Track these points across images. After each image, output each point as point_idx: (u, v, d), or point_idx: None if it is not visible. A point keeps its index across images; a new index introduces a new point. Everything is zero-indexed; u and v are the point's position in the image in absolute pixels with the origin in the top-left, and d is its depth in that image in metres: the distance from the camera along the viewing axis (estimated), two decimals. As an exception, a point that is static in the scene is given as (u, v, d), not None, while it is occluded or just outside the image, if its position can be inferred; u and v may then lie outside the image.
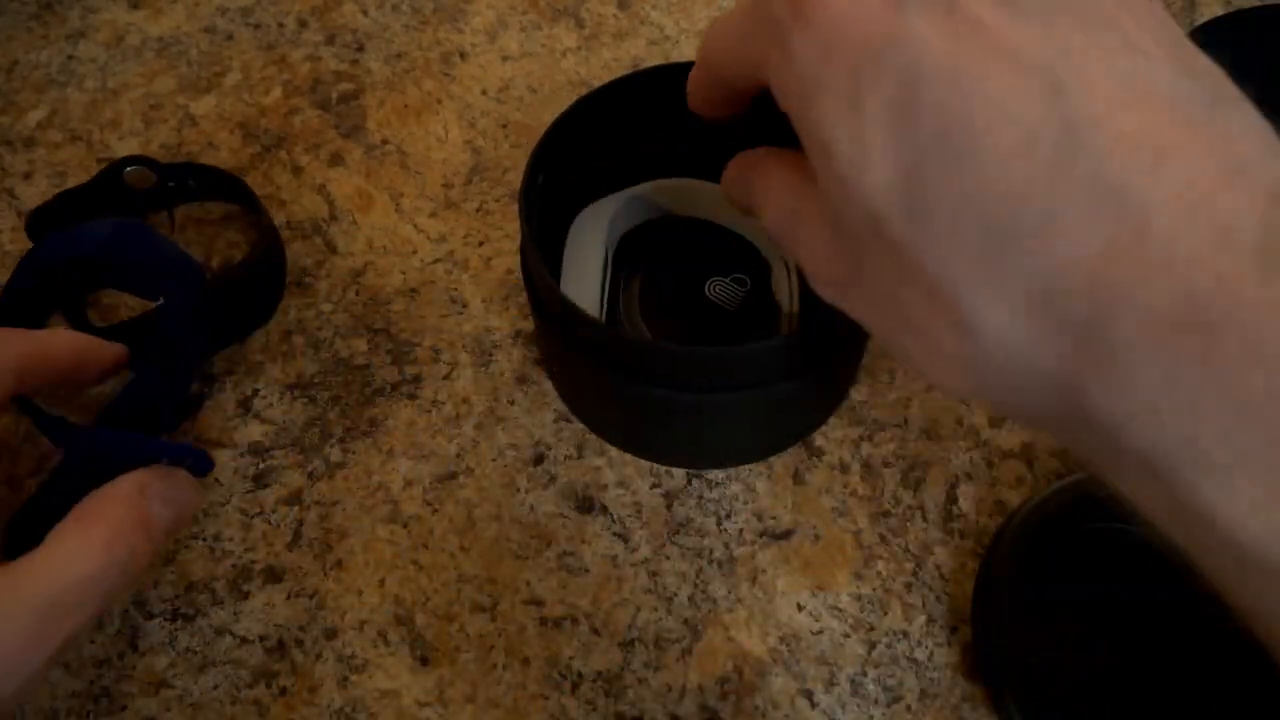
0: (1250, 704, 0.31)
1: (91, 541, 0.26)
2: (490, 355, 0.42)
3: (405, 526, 0.37)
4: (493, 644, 0.35)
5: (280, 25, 0.53)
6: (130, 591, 0.35)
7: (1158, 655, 0.33)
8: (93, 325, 0.40)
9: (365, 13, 0.54)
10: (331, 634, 0.35)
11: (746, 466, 0.38)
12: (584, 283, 0.39)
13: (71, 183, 0.46)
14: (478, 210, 0.46)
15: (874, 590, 0.36)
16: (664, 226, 0.43)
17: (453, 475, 0.38)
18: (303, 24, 0.53)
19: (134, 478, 0.29)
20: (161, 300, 0.38)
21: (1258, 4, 0.44)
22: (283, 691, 0.34)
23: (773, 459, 0.38)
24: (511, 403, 0.40)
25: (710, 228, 0.42)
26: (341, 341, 0.42)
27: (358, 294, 0.43)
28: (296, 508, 0.38)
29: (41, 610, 0.25)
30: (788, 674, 0.34)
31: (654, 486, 0.38)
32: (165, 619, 0.35)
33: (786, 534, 0.37)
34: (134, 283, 0.40)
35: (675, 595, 0.36)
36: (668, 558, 0.36)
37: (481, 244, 0.45)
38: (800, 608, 0.35)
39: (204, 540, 0.37)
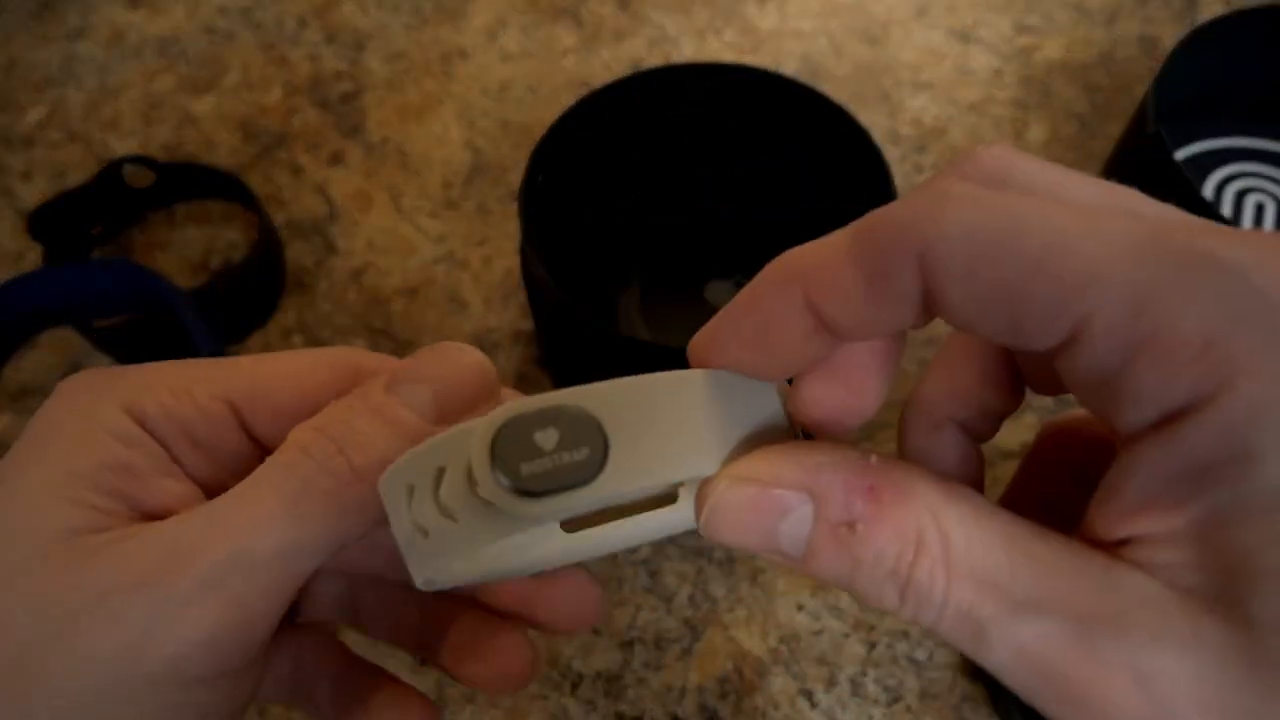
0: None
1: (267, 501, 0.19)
2: (490, 355, 0.42)
3: (405, 526, 0.37)
4: (493, 644, 0.35)
5: (280, 25, 0.53)
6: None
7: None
8: (92, 325, 0.40)
9: (365, 12, 0.54)
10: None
11: (746, 466, 0.38)
12: None
13: (71, 182, 0.46)
14: (478, 210, 0.46)
15: (874, 590, 0.36)
16: (664, 226, 0.43)
17: (453, 475, 0.38)
18: (303, 24, 0.53)
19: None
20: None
21: (1258, 4, 0.44)
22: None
23: (773, 459, 0.38)
24: (511, 403, 0.40)
25: (710, 227, 0.42)
26: (341, 341, 0.42)
27: (358, 294, 0.43)
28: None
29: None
30: (788, 674, 0.34)
31: (654, 486, 0.38)
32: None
33: (786, 534, 0.37)
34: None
35: (675, 595, 0.36)
36: (668, 557, 0.36)
37: (481, 244, 0.45)
38: (800, 608, 0.35)
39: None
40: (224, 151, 0.48)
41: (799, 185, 0.41)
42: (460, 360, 0.20)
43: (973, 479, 0.20)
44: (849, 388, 0.18)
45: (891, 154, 0.48)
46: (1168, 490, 0.14)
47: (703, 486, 0.17)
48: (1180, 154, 0.47)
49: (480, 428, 0.16)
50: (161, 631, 0.17)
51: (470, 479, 0.16)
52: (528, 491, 0.15)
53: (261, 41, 0.53)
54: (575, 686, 0.34)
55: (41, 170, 0.48)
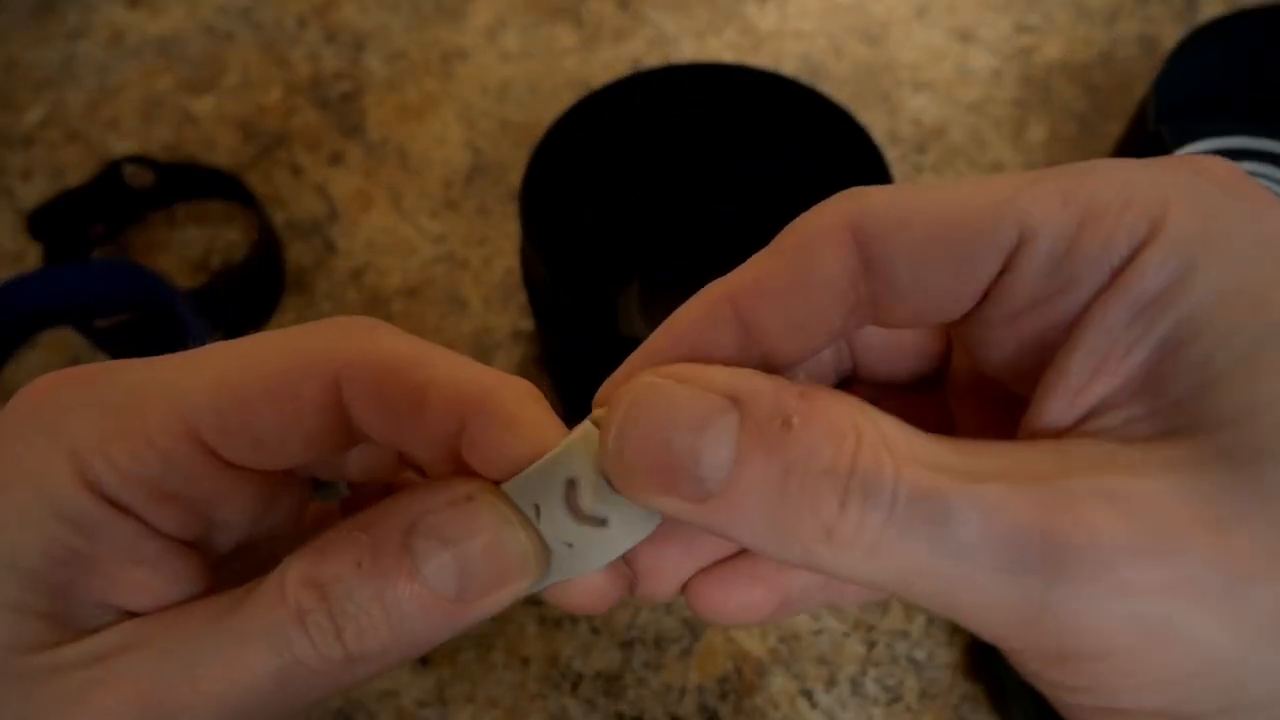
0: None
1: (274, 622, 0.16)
2: (490, 355, 0.42)
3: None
4: (492, 644, 0.35)
5: (280, 25, 0.53)
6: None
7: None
8: (92, 325, 0.40)
9: (365, 12, 0.54)
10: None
11: (746, 466, 0.38)
12: None
13: (71, 182, 0.46)
14: (478, 210, 0.46)
15: (874, 590, 0.36)
16: (664, 226, 0.43)
17: (453, 475, 0.38)
18: (303, 24, 0.53)
19: (397, 507, 0.17)
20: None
21: (1258, 4, 0.44)
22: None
23: (773, 459, 0.38)
24: (511, 403, 0.40)
25: (710, 227, 0.42)
26: (341, 341, 0.42)
27: (358, 294, 0.43)
28: (296, 508, 0.38)
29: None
30: (788, 674, 0.34)
31: (654, 486, 0.38)
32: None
33: (786, 534, 0.37)
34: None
35: (675, 595, 0.36)
36: (668, 558, 0.36)
37: (481, 244, 0.45)
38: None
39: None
40: (224, 151, 0.48)
41: (799, 185, 0.41)
42: (499, 538, 0.16)
43: None
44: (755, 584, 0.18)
45: (891, 154, 0.48)
46: (1118, 343, 0.14)
47: (615, 395, 0.16)
48: (1180, 154, 0.47)
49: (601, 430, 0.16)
50: None
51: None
52: None
53: (261, 41, 0.53)
54: (575, 686, 0.34)
55: (41, 170, 0.48)
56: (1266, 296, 0.14)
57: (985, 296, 0.15)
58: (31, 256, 0.45)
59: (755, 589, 0.18)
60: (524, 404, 0.17)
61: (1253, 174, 0.46)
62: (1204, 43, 0.42)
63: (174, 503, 0.17)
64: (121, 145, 0.49)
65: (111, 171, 0.44)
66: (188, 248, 0.45)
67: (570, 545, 0.16)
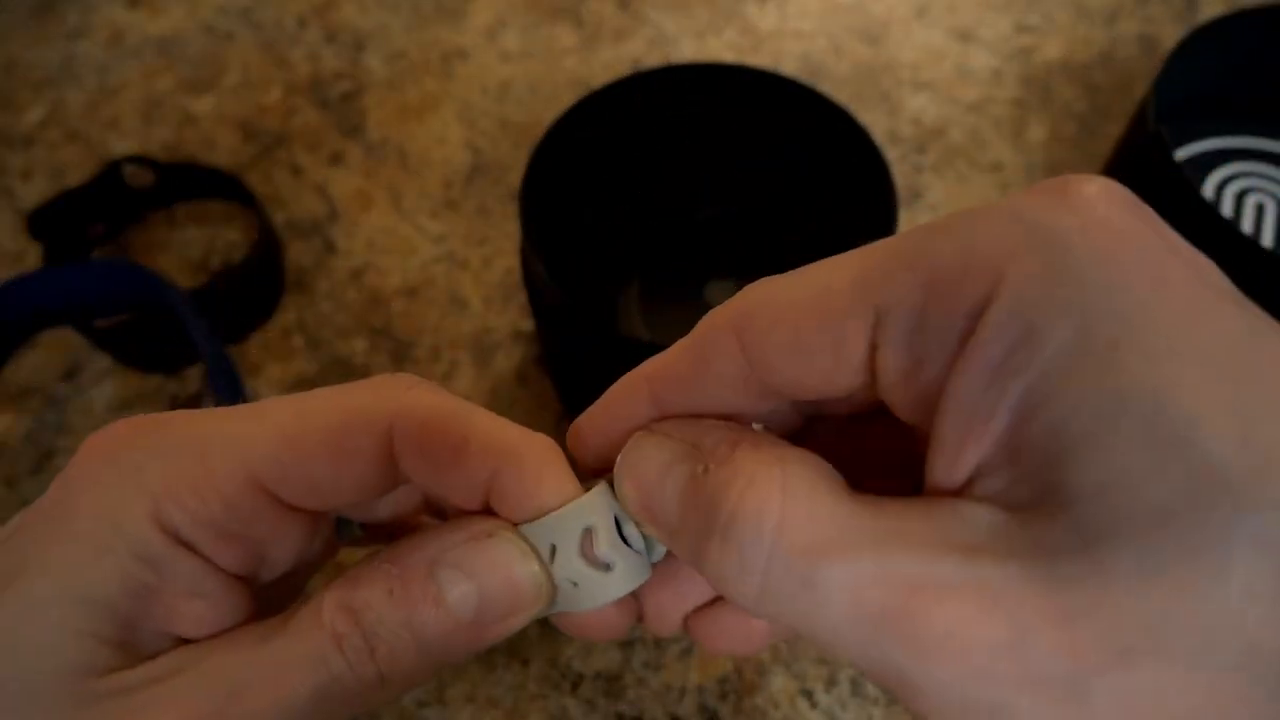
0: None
1: (309, 642, 0.18)
2: (490, 355, 0.42)
3: (405, 526, 0.37)
4: (493, 644, 0.35)
5: (280, 25, 0.53)
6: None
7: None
8: (93, 325, 0.40)
9: (365, 12, 0.54)
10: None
11: (746, 466, 0.38)
12: None
13: (71, 182, 0.46)
14: (478, 210, 0.46)
15: (874, 590, 0.36)
16: (664, 226, 0.43)
17: (453, 475, 0.38)
18: (303, 24, 0.53)
19: (423, 542, 0.19)
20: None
21: (1258, 4, 0.44)
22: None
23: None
24: (512, 402, 0.40)
25: (710, 227, 0.42)
26: (341, 341, 0.42)
27: (358, 293, 0.43)
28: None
29: None
30: (788, 674, 0.34)
31: (654, 486, 0.38)
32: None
33: (786, 534, 0.37)
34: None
35: (675, 595, 0.36)
36: (668, 558, 0.36)
37: (481, 244, 0.45)
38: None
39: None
40: (224, 151, 0.48)
41: (799, 185, 0.41)
42: (514, 569, 0.18)
43: None
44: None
45: (891, 154, 0.48)
46: (978, 410, 0.14)
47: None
48: (1180, 154, 0.47)
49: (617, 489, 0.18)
50: None
51: (621, 531, 0.18)
52: None
53: (261, 41, 0.53)
54: (575, 686, 0.34)
55: (41, 170, 0.48)
56: (1111, 357, 0.13)
57: (872, 372, 0.16)
58: (31, 256, 0.45)
59: (749, 623, 0.20)
60: (549, 458, 0.19)
61: (1252, 174, 0.46)
62: (1204, 43, 0.42)
63: (235, 542, 0.19)
64: (121, 145, 0.49)
65: (111, 171, 0.44)
66: (188, 248, 0.46)
67: (575, 585, 0.19)
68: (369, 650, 0.18)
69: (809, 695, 0.34)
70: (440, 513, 0.24)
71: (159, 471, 0.18)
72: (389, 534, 0.24)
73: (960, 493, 0.15)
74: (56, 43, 0.53)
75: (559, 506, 0.18)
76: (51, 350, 0.42)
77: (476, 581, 0.18)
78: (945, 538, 0.14)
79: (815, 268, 0.16)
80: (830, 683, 0.34)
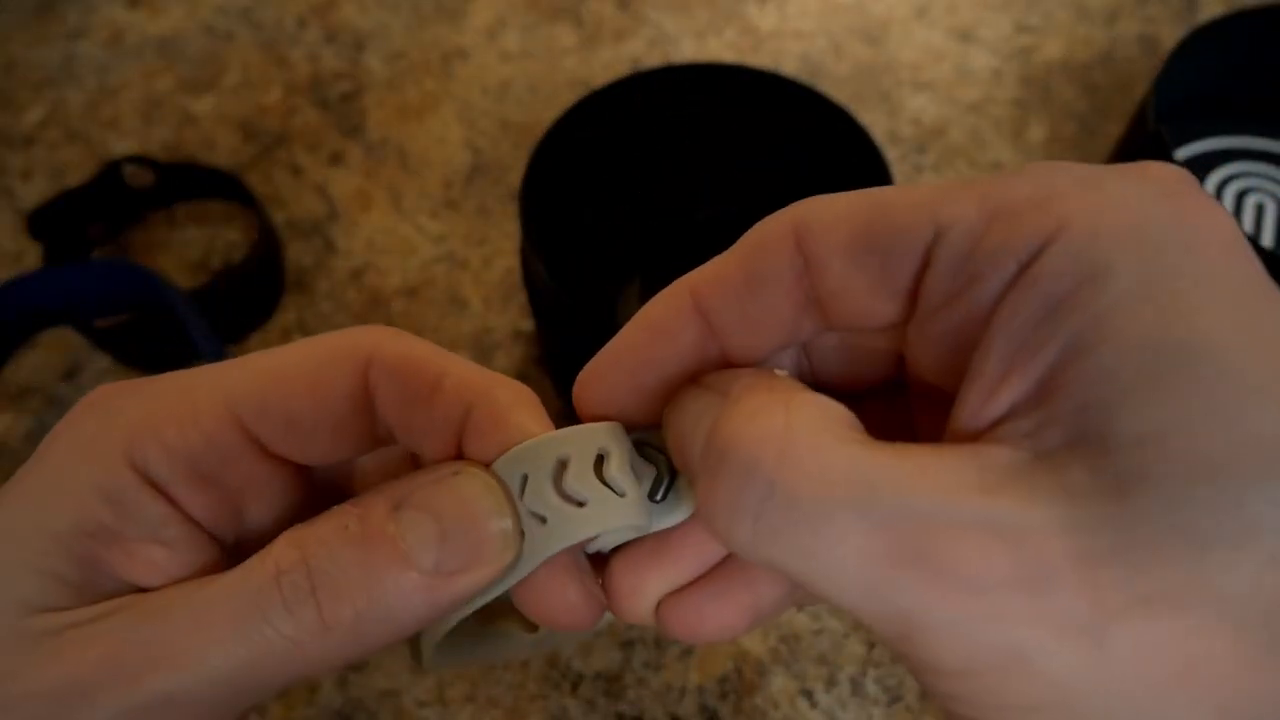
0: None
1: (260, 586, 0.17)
2: (490, 355, 0.42)
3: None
4: (493, 644, 0.35)
5: (280, 25, 0.53)
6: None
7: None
8: (93, 325, 0.40)
9: (365, 12, 0.54)
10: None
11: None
12: None
13: (71, 182, 0.46)
14: (478, 210, 0.46)
15: (874, 590, 0.36)
16: (664, 226, 0.43)
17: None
18: (303, 24, 0.53)
19: (390, 485, 0.18)
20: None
21: (1258, 4, 0.44)
22: (283, 692, 0.34)
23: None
24: (511, 403, 0.40)
25: (710, 227, 0.42)
26: (341, 341, 0.42)
27: (358, 294, 0.43)
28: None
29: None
30: (788, 674, 0.34)
31: (654, 486, 0.38)
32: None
33: (786, 534, 0.37)
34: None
35: (675, 595, 0.36)
36: (668, 558, 0.36)
37: (481, 244, 0.45)
38: (800, 607, 0.35)
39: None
40: (224, 151, 0.48)
41: (799, 185, 0.41)
42: (479, 509, 0.17)
43: None
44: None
45: (891, 154, 0.48)
46: (1027, 344, 0.14)
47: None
48: (1180, 154, 0.47)
49: (607, 425, 0.18)
50: None
51: (599, 467, 0.17)
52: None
53: (261, 41, 0.53)
54: (575, 686, 0.34)
55: (41, 170, 0.48)
56: (1177, 307, 0.13)
57: (915, 298, 0.16)
58: (31, 256, 0.45)
59: (726, 608, 0.19)
60: (524, 398, 0.18)
61: (1252, 174, 0.46)
62: (1204, 43, 0.42)
63: (209, 486, 0.18)
64: (121, 145, 0.49)
65: (111, 171, 0.44)
66: (188, 248, 0.46)
67: (544, 520, 0.17)
68: (310, 589, 0.16)
69: (809, 695, 0.34)
70: None
71: (140, 409, 0.18)
72: None
73: (983, 436, 0.15)
74: (56, 43, 0.53)
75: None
76: (51, 350, 0.42)
77: (439, 523, 0.17)
78: (964, 480, 0.14)
79: (872, 191, 0.16)
80: (830, 683, 0.34)
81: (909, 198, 0.16)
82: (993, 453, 0.14)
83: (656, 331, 0.18)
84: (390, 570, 0.16)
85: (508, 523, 0.17)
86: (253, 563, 0.17)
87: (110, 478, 0.17)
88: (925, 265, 0.15)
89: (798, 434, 0.14)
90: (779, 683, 0.34)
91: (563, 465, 0.17)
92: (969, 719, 0.14)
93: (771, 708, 0.33)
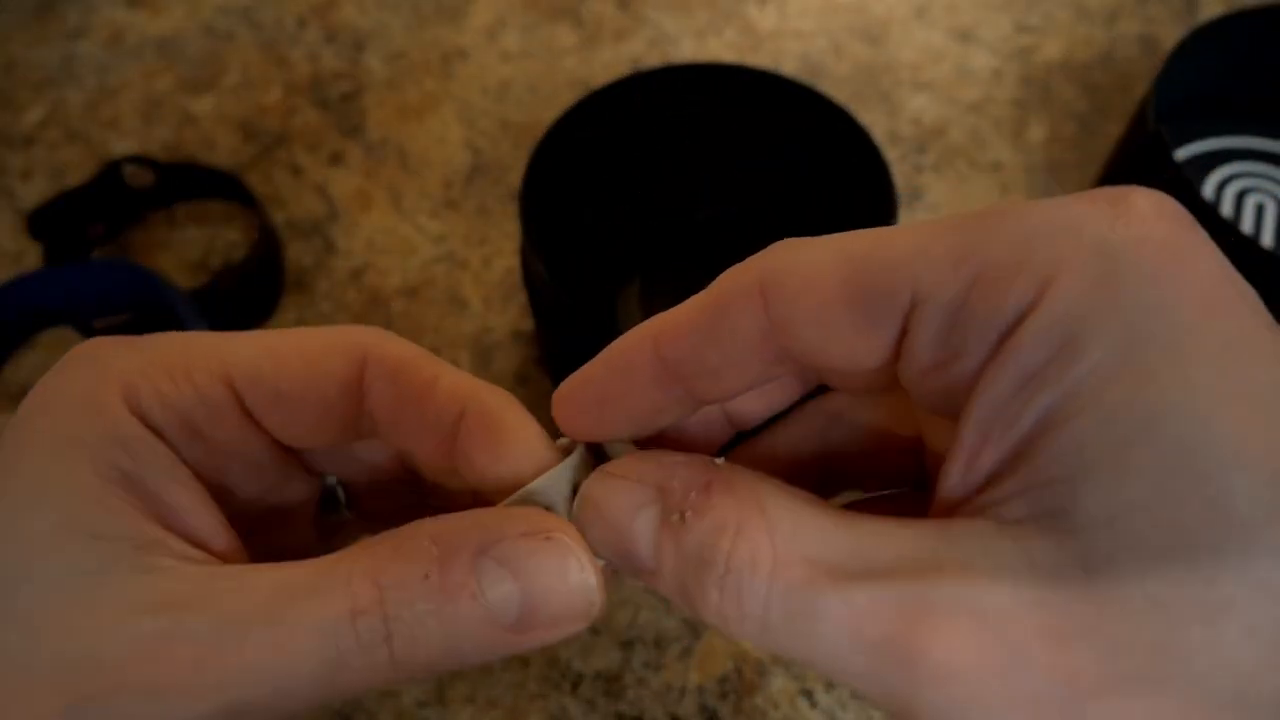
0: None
1: (330, 608, 0.16)
2: (490, 355, 0.42)
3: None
4: (493, 644, 0.35)
5: (280, 25, 0.53)
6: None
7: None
8: (92, 326, 0.40)
9: (365, 13, 0.54)
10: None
11: (746, 466, 0.38)
12: None
13: (71, 182, 0.46)
14: (478, 210, 0.46)
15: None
16: (664, 226, 0.43)
17: (453, 475, 0.38)
18: (303, 23, 0.53)
19: (473, 524, 0.17)
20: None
21: (1258, 4, 0.44)
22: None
23: (773, 459, 0.38)
24: (511, 403, 0.40)
25: (710, 227, 0.42)
26: (341, 341, 0.42)
27: (358, 294, 0.43)
28: (296, 508, 0.38)
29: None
30: (788, 674, 0.34)
31: (654, 486, 0.38)
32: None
33: (786, 534, 0.37)
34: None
35: (675, 595, 0.36)
36: (668, 558, 0.36)
37: (481, 244, 0.45)
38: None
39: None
40: (224, 151, 0.48)
41: (799, 185, 0.41)
42: (568, 583, 0.17)
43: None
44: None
45: (891, 154, 0.48)
46: (1002, 415, 0.14)
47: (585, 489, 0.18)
48: (1180, 154, 0.47)
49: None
50: None
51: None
52: None
53: (261, 41, 0.53)
54: (575, 686, 0.34)
55: (41, 170, 0.48)
56: (1151, 376, 0.13)
57: (897, 353, 0.16)
58: (31, 256, 0.45)
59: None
60: (512, 401, 0.19)
61: (1252, 174, 0.46)
62: (1204, 43, 0.42)
63: (197, 441, 0.18)
64: (121, 145, 0.49)
65: (111, 171, 0.44)
66: (188, 248, 0.46)
67: None
68: (385, 635, 0.16)
69: (809, 695, 0.34)
70: (417, 484, 0.23)
71: (134, 359, 0.18)
72: (374, 514, 0.24)
73: (963, 506, 0.15)
74: (56, 43, 0.53)
75: (529, 455, 0.18)
76: (51, 350, 0.42)
77: (523, 584, 0.16)
78: (937, 560, 0.14)
79: (849, 237, 0.16)
80: (830, 683, 0.34)
81: (884, 256, 0.15)
82: (964, 530, 0.14)
83: (619, 371, 0.18)
84: (469, 624, 0.16)
85: (595, 593, 0.17)
86: (331, 582, 0.16)
87: (114, 421, 0.17)
88: (904, 330, 0.15)
89: (782, 540, 0.15)
90: (779, 683, 0.34)
91: (575, 488, 0.18)
92: None
93: (771, 708, 0.33)
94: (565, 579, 0.17)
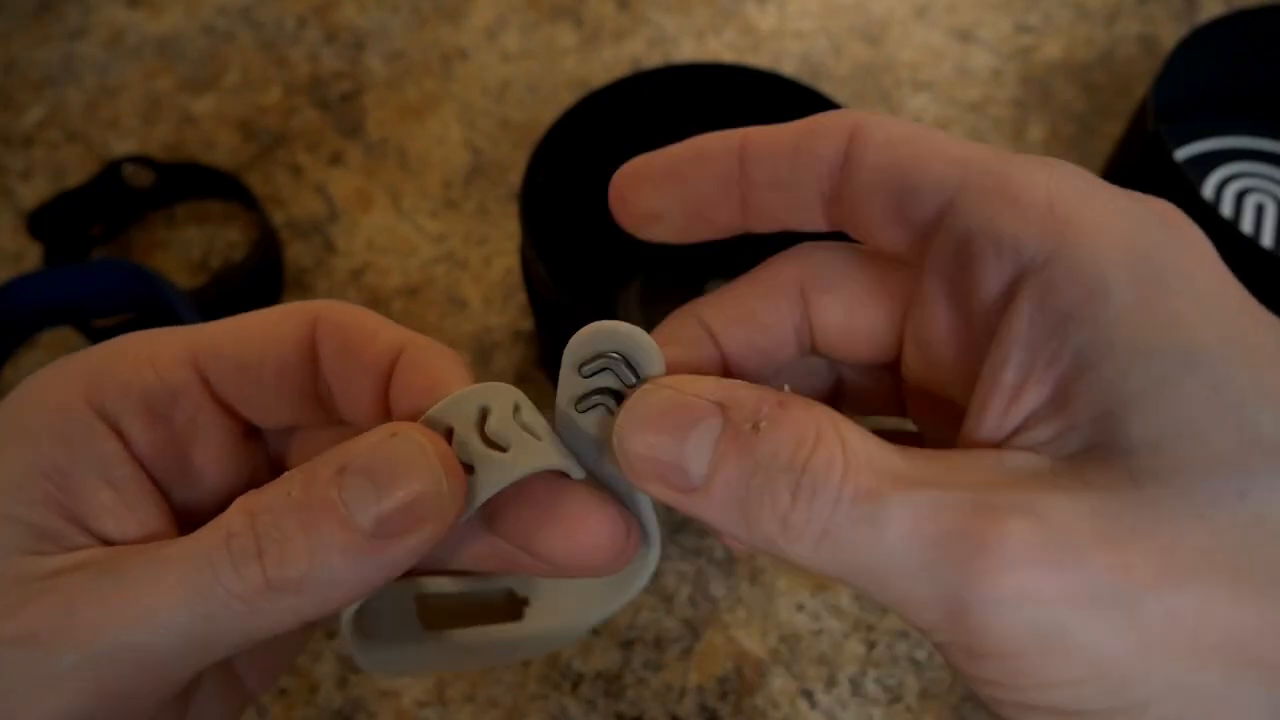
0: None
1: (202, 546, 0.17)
2: (490, 355, 0.42)
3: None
4: (493, 644, 0.35)
5: (280, 25, 0.53)
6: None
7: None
8: (92, 326, 0.40)
9: (365, 12, 0.54)
10: (331, 634, 0.35)
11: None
12: None
13: (71, 182, 0.46)
14: (478, 210, 0.46)
15: (874, 590, 0.36)
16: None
17: (453, 475, 0.38)
18: (302, 23, 0.53)
19: (334, 450, 0.18)
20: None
21: (1258, 4, 0.44)
22: (283, 692, 0.34)
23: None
24: (511, 403, 0.40)
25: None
26: (341, 341, 0.42)
27: (358, 293, 0.43)
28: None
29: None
30: (788, 674, 0.34)
31: (654, 486, 0.38)
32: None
33: (786, 534, 0.37)
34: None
35: (675, 595, 0.36)
36: (668, 557, 0.36)
37: (481, 244, 0.45)
38: (800, 608, 0.35)
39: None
40: (224, 151, 0.48)
41: (799, 185, 0.41)
42: (417, 472, 0.17)
43: None
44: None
45: (891, 154, 0.47)
46: (1040, 356, 0.16)
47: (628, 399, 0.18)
48: (1180, 154, 0.47)
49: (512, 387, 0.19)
50: (33, 695, 0.16)
51: (516, 411, 0.18)
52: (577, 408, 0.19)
53: (261, 41, 0.53)
54: (575, 686, 0.34)
55: (41, 170, 0.48)
56: (1176, 321, 0.15)
57: (922, 247, 0.18)
58: (31, 256, 0.45)
59: None
60: (445, 350, 0.19)
61: (1252, 174, 0.46)
62: (1204, 43, 0.42)
63: (158, 423, 0.19)
64: (121, 145, 0.49)
65: (111, 171, 0.44)
66: (188, 248, 0.46)
67: (472, 469, 0.18)
68: (257, 550, 0.17)
69: (809, 695, 0.34)
70: None
71: (102, 355, 0.19)
72: None
73: (1002, 445, 0.16)
74: (56, 43, 0.53)
75: (444, 386, 0.19)
76: (51, 350, 0.42)
77: (377, 485, 0.17)
78: (995, 476, 0.15)
79: (920, 131, 0.18)
80: (830, 683, 0.34)
81: (947, 154, 0.17)
82: (1017, 457, 0.16)
83: (699, 153, 0.20)
84: (332, 534, 0.17)
85: (442, 484, 0.17)
86: (208, 527, 0.18)
87: (64, 415, 0.18)
88: (939, 221, 0.17)
89: (852, 451, 0.16)
90: (779, 683, 0.34)
91: (484, 415, 0.18)
92: (1008, 702, 0.15)
93: (771, 708, 0.33)
94: (411, 470, 0.17)
